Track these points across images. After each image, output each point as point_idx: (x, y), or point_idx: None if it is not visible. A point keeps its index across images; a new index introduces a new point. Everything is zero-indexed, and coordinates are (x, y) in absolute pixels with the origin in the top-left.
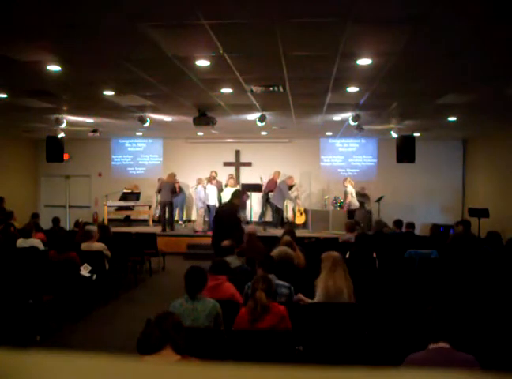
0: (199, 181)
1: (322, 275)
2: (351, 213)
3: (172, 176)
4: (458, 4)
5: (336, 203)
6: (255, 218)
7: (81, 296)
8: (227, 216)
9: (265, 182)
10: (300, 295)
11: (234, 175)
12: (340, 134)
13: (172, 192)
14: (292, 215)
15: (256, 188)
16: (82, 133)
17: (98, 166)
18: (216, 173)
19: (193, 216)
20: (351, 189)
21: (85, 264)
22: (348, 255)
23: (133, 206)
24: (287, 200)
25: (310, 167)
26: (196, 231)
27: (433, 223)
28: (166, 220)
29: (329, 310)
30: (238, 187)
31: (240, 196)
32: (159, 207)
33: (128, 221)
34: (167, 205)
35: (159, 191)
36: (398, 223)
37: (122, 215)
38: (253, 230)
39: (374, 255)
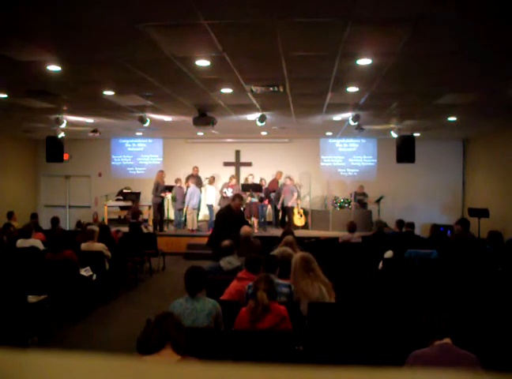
0: (190, 182)
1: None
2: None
3: (160, 175)
4: (458, 4)
5: (336, 203)
6: None
7: (81, 296)
8: (227, 217)
9: (264, 182)
10: None
11: (214, 176)
12: (340, 134)
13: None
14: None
15: (256, 188)
16: (82, 133)
17: (98, 167)
18: (213, 178)
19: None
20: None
21: (87, 268)
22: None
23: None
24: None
25: (310, 167)
26: (192, 231)
27: (433, 223)
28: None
29: (329, 310)
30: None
31: (235, 199)
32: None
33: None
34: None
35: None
36: (400, 223)
37: (121, 215)
38: (247, 231)
39: (391, 254)
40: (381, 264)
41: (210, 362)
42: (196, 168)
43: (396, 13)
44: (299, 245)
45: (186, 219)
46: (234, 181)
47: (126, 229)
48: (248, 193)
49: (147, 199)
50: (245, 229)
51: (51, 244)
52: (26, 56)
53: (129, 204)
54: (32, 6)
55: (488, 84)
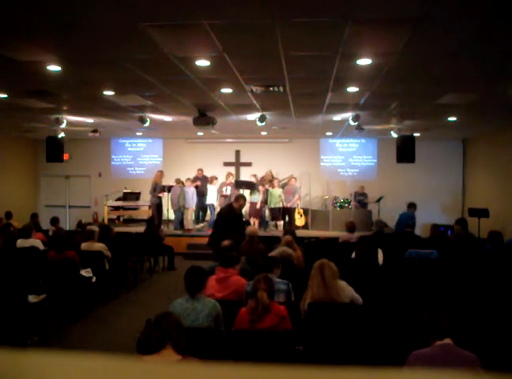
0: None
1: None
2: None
3: (159, 176)
4: (458, 4)
5: (336, 203)
6: None
7: (81, 296)
8: (228, 217)
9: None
10: None
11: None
12: (340, 134)
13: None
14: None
15: (249, 185)
16: (82, 133)
17: (98, 167)
18: (214, 177)
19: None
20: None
21: (88, 269)
22: (353, 255)
23: (138, 206)
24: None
25: (310, 167)
26: (187, 230)
27: (433, 223)
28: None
29: (329, 310)
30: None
31: (239, 200)
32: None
33: (125, 221)
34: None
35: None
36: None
37: (121, 215)
38: (254, 231)
39: (381, 254)
40: (353, 255)
41: (210, 362)
42: (200, 171)
43: (396, 13)
44: (299, 245)
45: (183, 219)
46: (231, 178)
47: (126, 229)
48: (250, 194)
49: (147, 199)
50: (251, 229)
51: (56, 243)
52: (26, 56)
53: (130, 204)
54: (32, 6)
55: (488, 84)
